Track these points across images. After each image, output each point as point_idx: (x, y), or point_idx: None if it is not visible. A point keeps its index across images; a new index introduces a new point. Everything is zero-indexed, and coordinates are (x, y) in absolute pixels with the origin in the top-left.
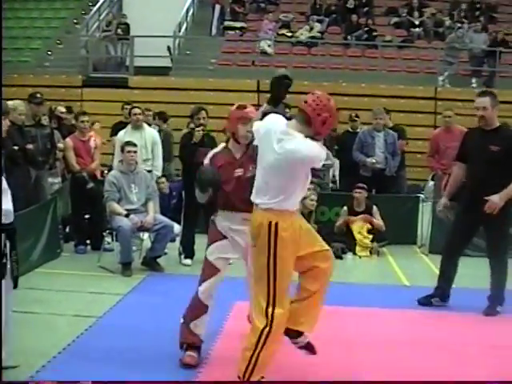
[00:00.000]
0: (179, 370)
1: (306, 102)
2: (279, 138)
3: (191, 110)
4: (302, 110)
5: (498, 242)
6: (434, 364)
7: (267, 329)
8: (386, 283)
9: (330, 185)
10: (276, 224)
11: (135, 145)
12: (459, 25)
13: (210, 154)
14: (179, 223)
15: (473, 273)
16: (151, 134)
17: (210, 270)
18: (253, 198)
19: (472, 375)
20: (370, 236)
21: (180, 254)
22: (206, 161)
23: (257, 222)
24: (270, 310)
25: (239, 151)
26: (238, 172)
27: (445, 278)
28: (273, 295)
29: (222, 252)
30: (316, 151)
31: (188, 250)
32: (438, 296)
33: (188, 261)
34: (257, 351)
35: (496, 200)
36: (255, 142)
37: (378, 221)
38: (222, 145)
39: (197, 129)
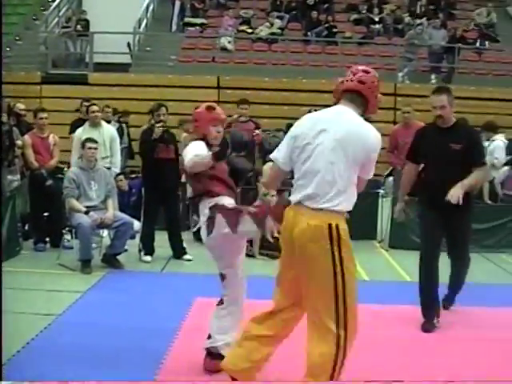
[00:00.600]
0: (138, 367)
1: (362, 82)
2: (337, 116)
3: (151, 106)
4: (357, 91)
5: (462, 238)
6: (395, 358)
7: (341, 357)
8: None
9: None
10: (337, 226)
11: (96, 141)
12: (418, 21)
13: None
14: (139, 220)
15: None
16: (109, 131)
17: None
18: (296, 195)
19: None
20: None
21: (140, 251)
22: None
23: (307, 224)
24: (342, 333)
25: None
26: None
27: (432, 298)
28: (343, 314)
29: None
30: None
31: (148, 247)
32: (434, 316)
33: (148, 257)
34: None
35: (457, 190)
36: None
37: None
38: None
39: (157, 125)
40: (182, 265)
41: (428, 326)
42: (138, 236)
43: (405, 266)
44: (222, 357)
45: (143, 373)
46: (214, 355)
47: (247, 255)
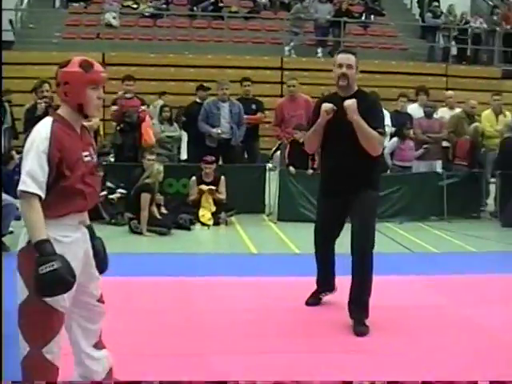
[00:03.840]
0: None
1: None
2: None
3: (34, 83)
4: None
5: (362, 235)
6: (288, 329)
7: None
8: (234, 252)
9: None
10: None
11: None
12: None
13: (46, 128)
14: None
15: None
16: None
17: (56, 320)
18: None
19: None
20: (214, 208)
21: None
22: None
23: None
24: None
25: (78, 125)
26: (86, 156)
27: (325, 271)
28: None
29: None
30: None
31: None
32: (325, 290)
33: None
34: None
35: (354, 106)
36: None
37: (221, 194)
38: (43, 123)
39: (39, 101)
40: None
41: (312, 301)
42: None
43: (293, 239)
44: None
45: None
46: None
47: (135, 232)
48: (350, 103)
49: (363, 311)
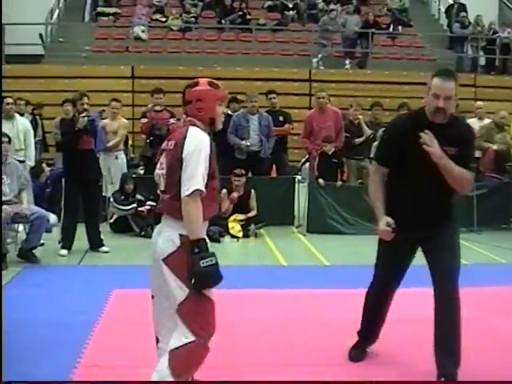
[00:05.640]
0: (56, 361)
1: None
2: None
3: (73, 96)
4: None
5: (450, 275)
6: (317, 342)
7: None
8: (263, 264)
9: None
10: None
11: (7, 135)
12: (332, 7)
13: (205, 135)
14: (54, 213)
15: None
16: (23, 123)
17: (214, 310)
18: None
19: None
20: (241, 222)
21: (60, 243)
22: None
23: None
24: None
25: None
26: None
27: (374, 328)
28: None
29: None
30: None
31: (68, 240)
32: (370, 343)
33: (64, 251)
34: None
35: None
36: None
37: (251, 212)
38: (197, 130)
39: (81, 115)
40: (99, 257)
41: (356, 355)
42: (54, 230)
43: (323, 251)
44: None
45: (61, 367)
46: None
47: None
48: (434, 152)
49: (456, 364)
